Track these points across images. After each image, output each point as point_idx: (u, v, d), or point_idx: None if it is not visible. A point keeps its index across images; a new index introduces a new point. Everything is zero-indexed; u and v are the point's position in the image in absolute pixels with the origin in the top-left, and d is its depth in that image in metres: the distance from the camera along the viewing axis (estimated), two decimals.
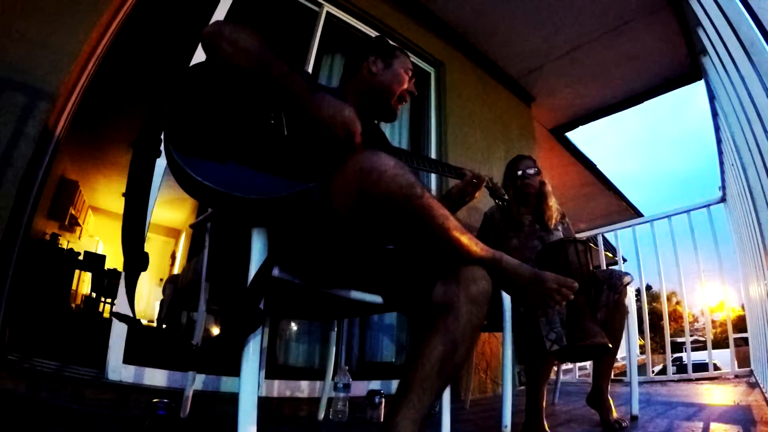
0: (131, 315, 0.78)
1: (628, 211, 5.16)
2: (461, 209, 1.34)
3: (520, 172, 1.78)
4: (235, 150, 0.73)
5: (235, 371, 0.69)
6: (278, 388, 1.76)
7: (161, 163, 0.76)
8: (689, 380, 2.89)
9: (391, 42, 1.20)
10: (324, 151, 0.83)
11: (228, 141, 0.74)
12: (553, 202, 1.77)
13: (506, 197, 1.48)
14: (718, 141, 2.63)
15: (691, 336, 3.17)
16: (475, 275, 0.73)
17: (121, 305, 1.47)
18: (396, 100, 1.12)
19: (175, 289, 3.64)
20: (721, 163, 2.73)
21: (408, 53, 1.21)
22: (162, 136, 0.72)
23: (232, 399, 0.83)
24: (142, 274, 0.77)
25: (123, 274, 0.77)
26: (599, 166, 4.65)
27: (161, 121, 0.73)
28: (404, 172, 0.68)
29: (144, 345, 1.41)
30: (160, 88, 3.22)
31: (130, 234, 0.73)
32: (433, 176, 2.55)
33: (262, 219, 0.76)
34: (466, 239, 0.74)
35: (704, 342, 3.11)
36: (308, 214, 0.72)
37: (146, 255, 0.75)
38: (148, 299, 6.77)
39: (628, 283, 1.49)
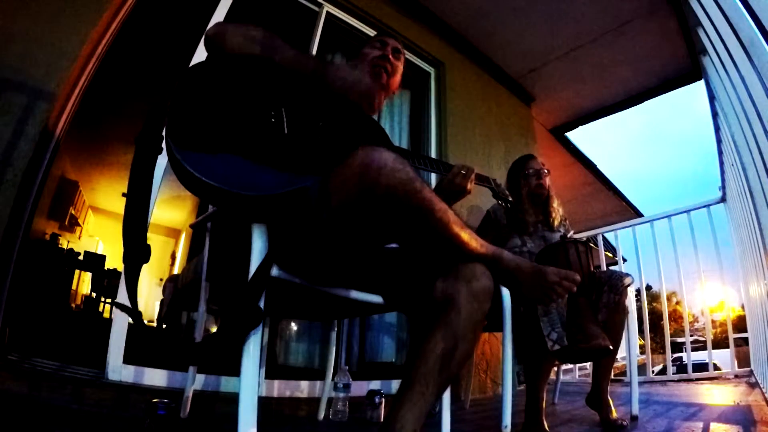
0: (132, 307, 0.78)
1: (628, 211, 5.15)
2: (462, 210, 1.33)
3: (531, 170, 1.76)
4: (234, 147, 0.73)
5: (235, 371, 0.69)
6: (278, 388, 1.76)
7: (161, 162, 0.76)
8: (689, 380, 2.88)
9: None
10: (323, 150, 0.83)
11: (228, 138, 0.74)
12: (556, 203, 1.77)
13: (510, 198, 1.46)
14: (718, 141, 2.63)
15: (691, 336, 3.17)
16: (476, 272, 0.73)
17: (123, 299, 1.48)
18: (371, 69, 1.10)
19: (175, 289, 3.63)
20: (721, 163, 2.73)
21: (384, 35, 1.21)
22: (164, 133, 0.72)
23: (232, 399, 0.83)
24: (142, 274, 0.76)
25: (123, 267, 0.76)
26: (599, 166, 4.65)
27: (164, 117, 0.73)
28: (404, 167, 0.67)
29: (144, 343, 1.41)
30: (160, 88, 3.22)
31: (132, 226, 0.73)
32: (434, 176, 2.55)
33: (260, 216, 0.76)
34: (466, 235, 0.73)
35: (704, 342, 3.11)
36: (307, 211, 0.72)
37: (148, 247, 0.75)
38: (147, 299, 6.76)
39: (628, 285, 1.49)
